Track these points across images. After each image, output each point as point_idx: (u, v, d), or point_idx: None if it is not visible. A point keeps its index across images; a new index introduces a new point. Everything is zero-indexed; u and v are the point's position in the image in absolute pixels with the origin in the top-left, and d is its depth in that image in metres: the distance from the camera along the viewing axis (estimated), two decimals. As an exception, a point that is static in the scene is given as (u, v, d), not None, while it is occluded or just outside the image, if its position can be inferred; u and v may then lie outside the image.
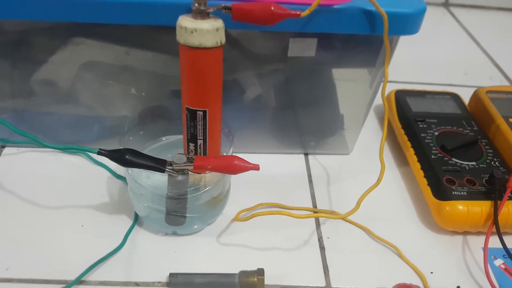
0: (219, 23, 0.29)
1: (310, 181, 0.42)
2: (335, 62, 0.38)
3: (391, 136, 0.48)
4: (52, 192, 0.38)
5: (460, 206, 0.36)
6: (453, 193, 0.37)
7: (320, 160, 0.45)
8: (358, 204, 0.36)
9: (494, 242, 0.36)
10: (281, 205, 0.39)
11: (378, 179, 0.35)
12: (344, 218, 0.38)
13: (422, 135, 0.43)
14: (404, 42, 0.77)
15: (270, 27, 0.31)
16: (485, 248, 0.35)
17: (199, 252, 0.34)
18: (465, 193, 0.37)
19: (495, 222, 0.35)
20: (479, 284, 0.34)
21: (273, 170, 0.43)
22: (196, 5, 0.29)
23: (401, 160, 0.45)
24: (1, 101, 0.39)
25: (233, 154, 0.33)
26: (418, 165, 0.41)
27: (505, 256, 0.37)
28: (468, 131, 0.44)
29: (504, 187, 0.37)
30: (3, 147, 0.42)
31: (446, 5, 0.83)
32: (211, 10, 0.29)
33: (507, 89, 0.49)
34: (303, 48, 0.35)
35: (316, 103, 0.42)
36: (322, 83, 0.40)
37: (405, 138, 0.44)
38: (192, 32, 0.29)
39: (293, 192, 0.41)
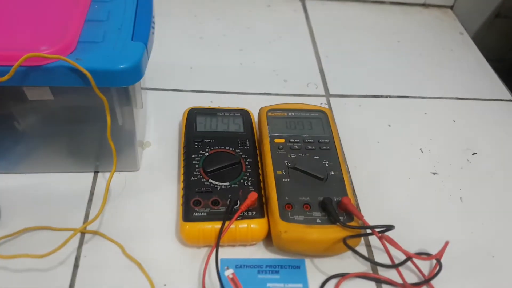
0: None
1: (90, 200, 0.47)
2: (76, 103, 0.42)
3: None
4: None
5: (198, 227, 0.42)
6: (194, 214, 0.43)
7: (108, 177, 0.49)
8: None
9: (234, 253, 0.44)
10: (49, 227, 0.44)
11: (98, 212, 0.41)
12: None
13: (193, 155, 0.48)
14: (242, 46, 0.77)
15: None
16: (207, 260, 0.42)
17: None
18: (205, 214, 0.43)
19: (218, 239, 0.42)
20: (203, 292, 0.41)
21: (57, 190, 0.47)
22: None
23: (181, 177, 0.50)
24: None
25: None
26: (182, 185, 0.46)
27: (237, 266, 0.44)
28: (238, 151, 0.49)
29: (237, 210, 0.43)
30: None
31: (302, -1, 0.86)
32: None
33: (288, 107, 0.54)
34: (40, 94, 0.39)
35: (90, 128, 0.46)
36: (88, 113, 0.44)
37: (182, 157, 0.49)
38: None
39: (69, 212, 0.45)
